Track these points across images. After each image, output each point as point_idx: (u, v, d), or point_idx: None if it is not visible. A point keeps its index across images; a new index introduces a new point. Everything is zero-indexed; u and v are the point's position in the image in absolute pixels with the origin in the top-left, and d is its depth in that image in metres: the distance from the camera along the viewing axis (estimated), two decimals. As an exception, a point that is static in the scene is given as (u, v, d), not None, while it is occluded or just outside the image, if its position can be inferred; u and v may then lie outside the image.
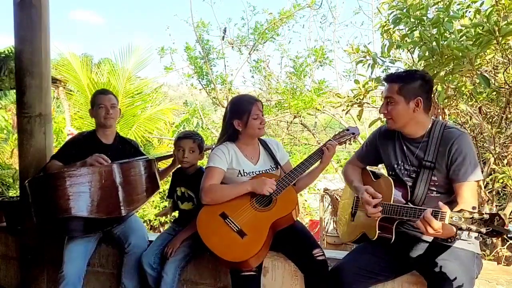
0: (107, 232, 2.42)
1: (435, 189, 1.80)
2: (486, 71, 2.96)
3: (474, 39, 2.22)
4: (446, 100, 2.81)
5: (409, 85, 1.79)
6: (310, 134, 7.90)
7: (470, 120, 3.31)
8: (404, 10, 2.55)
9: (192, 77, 8.34)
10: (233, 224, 1.95)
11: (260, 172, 2.15)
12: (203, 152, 2.49)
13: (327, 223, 7.02)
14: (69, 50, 8.34)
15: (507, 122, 3.19)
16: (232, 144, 2.18)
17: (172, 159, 2.64)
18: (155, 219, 8.76)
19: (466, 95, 2.82)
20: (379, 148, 2.03)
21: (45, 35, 2.78)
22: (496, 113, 3.28)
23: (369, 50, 3.09)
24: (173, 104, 10.92)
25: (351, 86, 4.68)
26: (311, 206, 9.40)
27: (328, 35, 10.21)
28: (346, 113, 4.52)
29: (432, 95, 2.87)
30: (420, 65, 2.70)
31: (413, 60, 3.18)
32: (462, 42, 2.22)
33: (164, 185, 5.29)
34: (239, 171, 2.13)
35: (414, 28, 2.47)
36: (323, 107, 6.82)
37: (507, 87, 2.83)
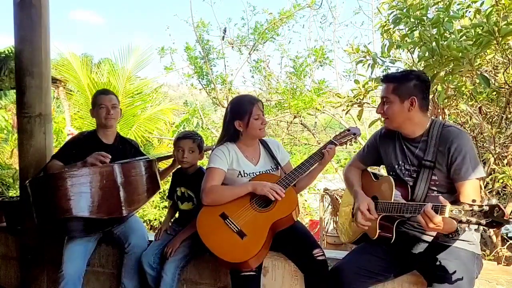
0: (107, 232, 2.42)
1: (435, 189, 1.81)
2: (486, 71, 2.96)
3: (474, 40, 2.22)
4: (446, 100, 2.81)
5: (404, 85, 1.81)
6: (310, 134, 7.90)
7: (470, 120, 3.31)
8: (404, 10, 2.55)
9: (192, 77, 8.33)
10: (233, 225, 1.95)
11: (261, 172, 2.15)
12: (202, 152, 2.49)
13: (327, 223, 7.02)
14: (69, 50, 8.36)
15: (507, 122, 3.19)
16: (232, 144, 2.17)
17: (172, 159, 2.64)
18: (155, 219, 8.76)
19: (466, 95, 2.82)
20: (380, 149, 2.03)
21: (45, 35, 2.78)
22: (496, 113, 3.28)
23: (369, 50, 3.09)
24: (173, 104, 10.92)
25: (351, 86, 4.68)
26: (311, 206, 9.40)
27: (328, 35, 10.20)
28: (346, 113, 4.53)
29: (432, 95, 2.88)
30: (420, 65, 2.70)
31: (413, 60, 3.18)
32: (462, 43, 2.21)
33: (164, 185, 5.29)
34: (240, 172, 2.13)
35: (414, 28, 2.47)
36: (323, 107, 6.81)
37: (507, 87, 2.83)
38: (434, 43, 2.27)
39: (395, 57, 3.33)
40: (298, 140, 8.05)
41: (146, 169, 2.33)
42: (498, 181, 2.98)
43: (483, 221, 1.33)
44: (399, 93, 1.81)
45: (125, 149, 2.56)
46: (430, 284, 1.73)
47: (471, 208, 1.37)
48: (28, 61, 2.74)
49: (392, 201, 1.79)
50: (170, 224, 2.54)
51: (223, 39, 7.96)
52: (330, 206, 6.88)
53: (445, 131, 1.78)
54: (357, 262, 1.88)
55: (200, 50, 8.06)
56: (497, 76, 3.07)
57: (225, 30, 7.89)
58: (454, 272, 1.65)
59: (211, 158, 2.12)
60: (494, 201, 1.35)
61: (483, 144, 3.27)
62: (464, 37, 2.29)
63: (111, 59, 9.74)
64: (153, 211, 8.81)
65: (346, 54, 6.59)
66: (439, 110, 3.07)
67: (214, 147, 2.24)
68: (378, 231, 1.82)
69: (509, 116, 3.07)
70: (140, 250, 2.36)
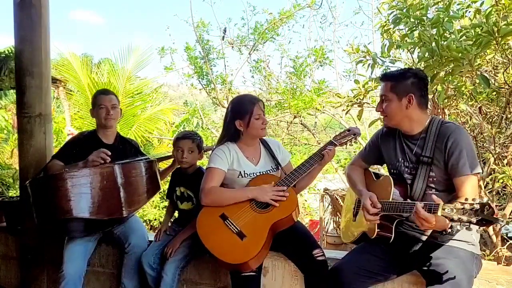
0: (107, 232, 2.42)
1: (433, 186, 1.81)
2: (486, 71, 2.96)
3: (474, 40, 2.22)
4: (446, 100, 2.81)
5: (401, 83, 1.82)
6: (310, 134, 7.90)
7: (470, 120, 3.31)
8: (404, 10, 2.54)
9: (192, 77, 8.33)
10: (232, 226, 1.95)
11: (261, 173, 2.15)
12: (202, 152, 2.48)
13: (327, 223, 7.01)
14: (69, 50, 8.37)
15: (507, 122, 3.19)
16: (233, 144, 2.17)
17: (172, 159, 2.64)
18: (154, 219, 8.76)
19: (466, 95, 2.82)
20: (381, 147, 2.04)
21: (45, 35, 2.78)
22: (496, 113, 3.28)
23: (369, 50, 3.09)
24: (173, 104, 10.93)
25: (351, 86, 4.69)
26: (311, 206, 9.39)
27: (328, 35, 10.18)
28: (346, 113, 4.53)
29: (432, 96, 2.89)
30: (420, 65, 2.70)
31: (413, 60, 3.18)
32: (462, 43, 2.21)
33: (164, 185, 5.28)
34: (240, 172, 2.13)
35: (414, 28, 2.47)
36: (323, 107, 6.81)
37: (507, 87, 2.83)
38: (434, 44, 2.27)
39: (395, 57, 3.33)
40: (298, 140, 8.05)
41: (147, 170, 2.33)
42: (498, 181, 2.98)
43: (474, 219, 1.35)
44: (396, 91, 1.82)
45: (125, 149, 2.56)
46: (430, 284, 1.74)
47: (462, 207, 1.39)
48: (28, 61, 2.74)
49: (391, 200, 1.79)
50: (169, 224, 2.54)
51: (223, 39, 7.96)
52: (330, 206, 6.88)
53: (443, 127, 1.79)
54: (356, 262, 1.88)
55: (200, 50, 8.06)
56: (497, 76, 3.07)
57: (225, 30, 7.89)
58: (453, 271, 1.66)
59: (211, 158, 2.12)
60: (485, 199, 1.37)
61: (483, 144, 3.27)
62: (464, 37, 2.28)
63: (111, 59, 9.75)
64: (153, 211, 8.81)
65: (346, 54, 6.58)
66: (439, 110, 3.07)
67: (214, 147, 2.24)
68: (376, 230, 1.82)
69: (509, 116, 3.07)
70: (140, 250, 2.36)
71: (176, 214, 2.62)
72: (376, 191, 1.94)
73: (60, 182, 2.03)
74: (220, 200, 2.02)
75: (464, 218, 1.37)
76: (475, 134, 3.24)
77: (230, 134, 2.16)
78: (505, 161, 3.08)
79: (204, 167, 2.35)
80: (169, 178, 2.65)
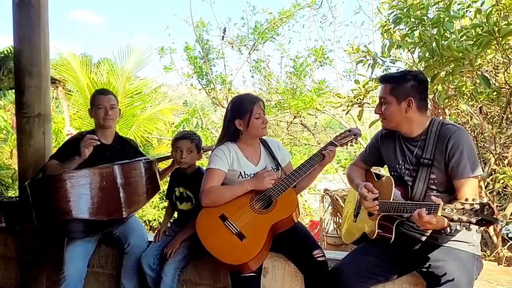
0: (106, 233, 2.41)
1: (434, 188, 1.80)
2: (486, 71, 2.96)
3: (474, 40, 2.21)
4: (446, 100, 2.81)
5: (401, 85, 1.80)
6: (310, 134, 7.90)
7: (471, 120, 3.31)
8: (405, 10, 2.54)
9: (192, 77, 8.33)
10: (232, 227, 1.94)
11: (261, 173, 2.14)
12: (201, 152, 2.47)
13: (327, 223, 7.01)
14: (68, 50, 8.35)
15: (508, 122, 3.19)
16: (233, 144, 2.16)
17: (172, 159, 2.63)
18: (154, 219, 8.75)
19: (466, 95, 2.81)
20: (381, 149, 2.03)
21: (44, 35, 2.77)
22: (497, 113, 3.28)
23: (369, 50, 3.08)
24: (173, 104, 10.92)
25: (351, 86, 4.68)
26: (311, 207, 9.40)
27: (328, 35, 10.20)
28: (347, 113, 4.52)
29: (433, 96, 2.88)
30: (421, 65, 2.69)
31: (414, 60, 3.18)
32: (463, 43, 2.21)
33: (164, 185, 5.27)
34: (240, 173, 2.11)
35: (415, 28, 2.47)
36: (323, 107, 6.80)
37: (507, 87, 2.83)
38: (434, 43, 2.27)
39: (395, 57, 3.32)
40: (298, 140, 8.04)
41: (146, 170, 2.32)
42: (498, 182, 2.98)
43: (474, 220, 1.35)
44: (396, 94, 1.81)
45: (124, 149, 2.55)
46: (429, 286, 1.73)
47: (462, 207, 1.39)
48: (27, 61, 2.73)
49: (391, 200, 1.78)
50: (169, 225, 2.53)
51: (222, 39, 7.97)
52: (330, 207, 6.88)
53: (444, 129, 1.78)
54: (357, 263, 1.87)
55: (199, 50, 8.07)
56: (498, 76, 3.07)
57: (224, 30, 7.89)
58: (453, 274, 1.65)
59: (211, 159, 2.11)
60: (485, 199, 1.36)
61: (483, 144, 3.27)
62: (465, 37, 2.28)
63: (111, 59, 9.75)
64: (152, 211, 8.81)
65: (346, 54, 6.57)
66: (439, 110, 3.06)
67: (214, 147, 2.23)
68: (377, 231, 1.82)
69: (509, 116, 3.07)
70: (140, 250, 2.35)
71: (175, 214, 2.61)
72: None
73: (59, 183, 2.02)
74: (220, 198, 2.01)
75: (464, 218, 1.37)
76: (475, 134, 3.23)
77: (230, 133, 2.15)
78: (505, 162, 3.08)
79: (204, 167, 2.34)
80: (168, 178, 2.64)
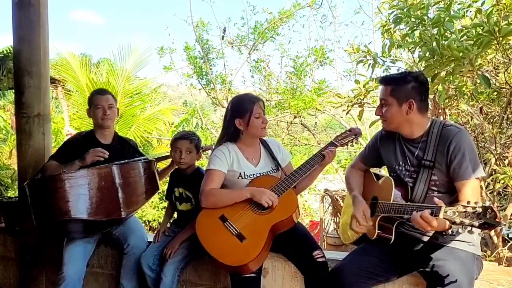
0: (106, 233, 2.40)
1: (435, 189, 1.80)
2: (487, 71, 2.95)
3: (474, 39, 2.21)
4: (447, 101, 2.80)
5: (402, 87, 1.79)
6: (310, 134, 7.89)
7: (471, 120, 3.30)
8: (405, 10, 2.53)
9: (192, 77, 8.32)
10: (232, 228, 1.93)
11: (261, 174, 2.13)
12: (200, 152, 2.47)
13: (327, 224, 7.01)
14: (68, 50, 8.35)
15: (508, 122, 3.19)
16: (233, 144, 2.15)
17: (171, 159, 2.63)
18: (154, 220, 8.75)
19: (467, 95, 2.81)
20: (381, 150, 2.02)
21: (44, 35, 2.76)
22: (497, 113, 3.27)
23: (369, 49, 3.08)
24: (173, 104, 10.91)
25: (351, 86, 4.67)
26: (311, 207, 9.39)
27: (328, 35, 10.17)
28: (347, 113, 4.51)
29: (433, 96, 2.87)
30: (421, 65, 2.69)
31: (414, 60, 3.17)
32: (463, 42, 2.20)
33: (163, 185, 5.27)
34: (240, 173, 2.10)
35: (415, 27, 2.46)
36: (324, 107, 6.79)
37: (508, 87, 2.82)
38: (434, 43, 2.26)
39: (395, 57, 3.32)
40: (298, 141, 8.04)
41: (145, 170, 2.32)
42: (499, 182, 2.97)
43: (476, 223, 1.34)
44: (396, 96, 1.79)
45: (123, 149, 2.54)
46: (430, 286, 1.73)
47: (464, 210, 1.37)
48: (27, 61, 2.73)
49: (391, 202, 1.78)
50: (168, 225, 2.53)
51: (222, 39, 7.96)
52: (330, 207, 6.87)
53: (445, 130, 1.77)
54: (357, 263, 1.87)
55: (199, 49, 8.06)
56: (498, 76, 3.06)
57: (224, 30, 7.88)
58: (454, 274, 1.64)
59: (211, 159, 2.10)
60: (487, 203, 1.35)
61: (484, 145, 3.27)
62: (465, 37, 2.27)
63: (110, 59, 9.74)
64: (152, 211, 8.81)
65: (346, 54, 6.55)
66: (440, 110, 3.06)
67: (213, 147, 2.22)
68: (377, 231, 1.81)
69: (510, 116, 3.07)
70: (139, 250, 2.35)
71: (175, 215, 2.60)
72: (376, 192, 1.93)
73: (58, 183, 2.02)
74: (220, 201, 2.00)
75: (466, 221, 1.36)
76: (476, 134, 3.23)
77: (230, 133, 2.14)
78: (506, 162, 3.07)
79: (203, 168, 2.34)
80: (168, 178, 2.63)
